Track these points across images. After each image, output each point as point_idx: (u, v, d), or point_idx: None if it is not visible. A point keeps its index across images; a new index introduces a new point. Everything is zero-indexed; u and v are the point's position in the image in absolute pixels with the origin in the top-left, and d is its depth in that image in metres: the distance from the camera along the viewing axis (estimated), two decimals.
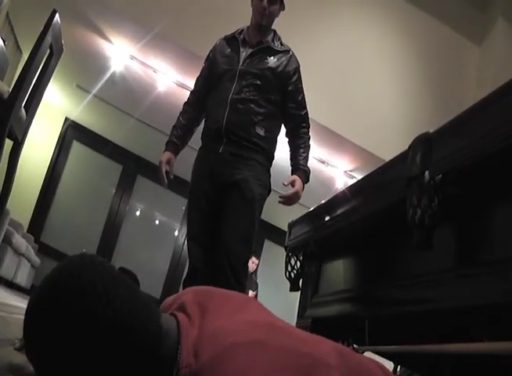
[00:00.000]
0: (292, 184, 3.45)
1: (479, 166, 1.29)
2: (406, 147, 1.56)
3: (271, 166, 3.56)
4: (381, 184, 1.81)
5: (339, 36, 6.87)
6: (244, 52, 3.54)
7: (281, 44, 3.62)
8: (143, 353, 1.12)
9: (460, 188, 1.41)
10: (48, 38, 3.10)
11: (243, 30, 3.66)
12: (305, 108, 3.64)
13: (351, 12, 7.17)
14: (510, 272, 1.20)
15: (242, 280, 3.20)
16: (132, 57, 6.79)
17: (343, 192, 2.13)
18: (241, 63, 3.49)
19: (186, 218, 3.59)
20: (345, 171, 7.62)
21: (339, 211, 2.12)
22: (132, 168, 10.17)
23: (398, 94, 7.08)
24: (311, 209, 2.51)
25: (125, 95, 7.83)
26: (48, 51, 3.26)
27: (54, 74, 3.52)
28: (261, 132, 3.42)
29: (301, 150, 3.55)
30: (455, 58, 7.48)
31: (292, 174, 3.51)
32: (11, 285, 7.55)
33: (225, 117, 3.38)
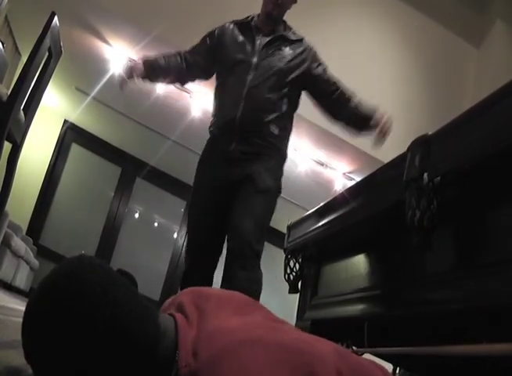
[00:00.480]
0: (378, 119, 3.31)
1: (477, 168, 1.29)
2: (405, 149, 1.56)
3: (284, 165, 3.35)
4: (380, 186, 1.81)
5: (338, 39, 6.87)
6: (259, 41, 3.34)
7: (293, 33, 3.45)
8: (142, 354, 1.11)
9: (459, 189, 1.41)
10: (47, 41, 3.10)
11: (253, 17, 3.47)
12: (337, 80, 3.44)
13: (351, 15, 7.18)
14: (508, 273, 1.20)
15: (257, 272, 2.91)
16: (131, 59, 6.79)
17: (342, 194, 2.13)
18: (257, 55, 3.29)
19: (188, 216, 3.41)
20: (344, 173, 7.62)
21: (338, 213, 2.13)
22: (131, 170, 10.15)
23: (396, 96, 7.08)
24: (310, 211, 2.51)
25: (124, 98, 7.83)
26: (47, 53, 3.26)
27: (53, 76, 3.51)
28: (276, 131, 3.23)
29: (357, 106, 3.38)
30: (453, 60, 7.48)
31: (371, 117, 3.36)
32: (10, 288, 7.53)
33: (238, 113, 3.17)
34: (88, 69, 7.39)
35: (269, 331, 1.17)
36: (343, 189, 2.16)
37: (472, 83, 7.30)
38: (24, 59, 5.79)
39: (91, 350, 1.06)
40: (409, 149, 1.54)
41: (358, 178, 6.80)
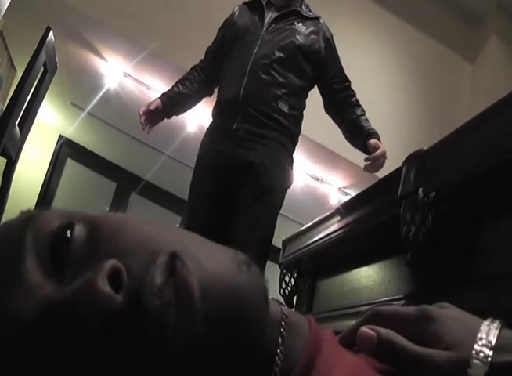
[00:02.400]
0: (375, 148, 3.06)
1: (473, 183, 1.29)
2: (400, 164, 1.56)
3: (294, 151, 3.12)
4: (375, 201, 1.81)
5: None
6: (270, 15, 3.12)
7: (310, 11, 3.23)
8: None
9: (454, 205, 1.41)
10: (43, 56, 3.11)
11: None
12: (349, 80, 3.24)
13: (345, 30, 7.19)
14: (503, 288, 1.19)
15: None
16: (126, 74, 6.79)
17: (337, 209, 2.13)
18: (265, 28, 3.07)
19: (187, 205, 3.14)
20: (339, 188, 7.61)
21: (333, 229, 2.12)
22: (126, 185, 10.12)
23: (391, 111, 7.09)
24: (305, 226, 2.51)
25: (119, 113, 7.82)
26: (43, 68, 3.27)
27: (48, 91, 3.52)
28: (285, 109, 2.96)
29: (364, 117, 3.19)
30: (448, 75, 7.50)
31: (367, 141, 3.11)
32: None
33: (242, 87, 2.93)
34: (84, 84, 7.40)
35: None
36: (338, 204, 2.16)
37: (467, 98, 7.32)
38: (19, 74, 5.80)
39: None
40: (404, 164, 1.54)
41: (353, 193, 6.81)
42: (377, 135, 3.18)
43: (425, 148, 1.47)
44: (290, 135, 3.06)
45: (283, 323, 0.66)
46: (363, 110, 3.24)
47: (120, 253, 0.57)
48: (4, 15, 3.77)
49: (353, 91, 3.25)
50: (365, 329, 0.69)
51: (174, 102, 3.33)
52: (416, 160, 1.48)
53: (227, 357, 0.57)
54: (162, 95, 3.35)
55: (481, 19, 7.56)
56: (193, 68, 3.43)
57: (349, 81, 3.26)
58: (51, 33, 3.17)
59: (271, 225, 2.96)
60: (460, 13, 7.60)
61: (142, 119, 3.23)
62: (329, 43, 3.24)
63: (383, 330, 0.68)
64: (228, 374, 0.58)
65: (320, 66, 3.17)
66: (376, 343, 0.66)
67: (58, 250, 0.59)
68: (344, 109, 3.21)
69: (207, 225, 2.89)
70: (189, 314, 0.54)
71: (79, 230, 0.61)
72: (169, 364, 0.53)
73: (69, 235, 0.60)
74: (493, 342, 0.63)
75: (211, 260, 0.60)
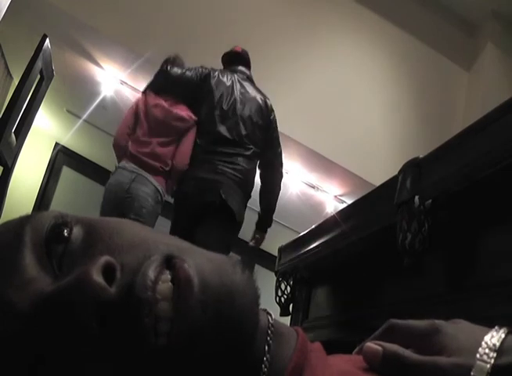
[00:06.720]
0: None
1: (468, 191, 1.29)
2: (396, 172, 1.57)
3: None
4: (371, 209, 1.81)
5: (329, 60, 6.88)
6: None
7: None
8: None
9: (450, 212, 1.41)
10: (39, 63, 3.10)
11: None
12: None
13: (342, 37, 7.20)
14: (499, 296, 1.19)
15: None
16: (122, 82, 6.79)
17: (333, 217, 2.13)
18: None
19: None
20: (335, 196, 7.61)
21: (329, 236, 2.12)
22: None
23: (387, 119, 7.09)
24: (301, 234, 2.51)
25: (115, 121, 7.78)
26: (39, 76, 3.26)
27: (44, 99, 3.51)
28: None
29: None
30: (444, 83, 7.51)
31: None
32: None
33: None
34: (80, 91, 7.39)
35: None
36: (334, 212, 2.16)
37: (462, 106, 7.33)
38: (16, 81, 5.80)
39: None
40: (400, 172, 1.54)
41: (349, 201, 6.81)
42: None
43: (421, 156, 1.47)
44: None
45: (269, 331, 0.67)
46: None
47: (115, 251, 0.59)
48: (0, 22, 3.78)
49: None
50: (369, 344, 0.69)
51: None
52: (412, 168, 1.48)
53: (218, 353, 0.58)
54: None
55: (477, 26, 7.59)
56: None
57: None
58: (47, 40, 3.17)
59: None
60: (456, 21, 7.63)
61: None
62: None
63: (387, 344, 0.68)
64: (216, 373, 0.59)
65: None
66: (381, 357, 0.67)
67: (54, 247, 0.62)
68: None
69: None
70: (188, 305, 0.55)
71: (76, 229, 0.64)
72: (162, 357, 0.54)
73: (66, 234, 0.63)
74: (497, 345, 0.64)
75: (207, 260, 0.62)
